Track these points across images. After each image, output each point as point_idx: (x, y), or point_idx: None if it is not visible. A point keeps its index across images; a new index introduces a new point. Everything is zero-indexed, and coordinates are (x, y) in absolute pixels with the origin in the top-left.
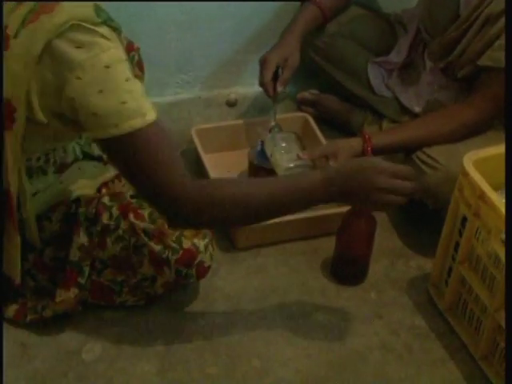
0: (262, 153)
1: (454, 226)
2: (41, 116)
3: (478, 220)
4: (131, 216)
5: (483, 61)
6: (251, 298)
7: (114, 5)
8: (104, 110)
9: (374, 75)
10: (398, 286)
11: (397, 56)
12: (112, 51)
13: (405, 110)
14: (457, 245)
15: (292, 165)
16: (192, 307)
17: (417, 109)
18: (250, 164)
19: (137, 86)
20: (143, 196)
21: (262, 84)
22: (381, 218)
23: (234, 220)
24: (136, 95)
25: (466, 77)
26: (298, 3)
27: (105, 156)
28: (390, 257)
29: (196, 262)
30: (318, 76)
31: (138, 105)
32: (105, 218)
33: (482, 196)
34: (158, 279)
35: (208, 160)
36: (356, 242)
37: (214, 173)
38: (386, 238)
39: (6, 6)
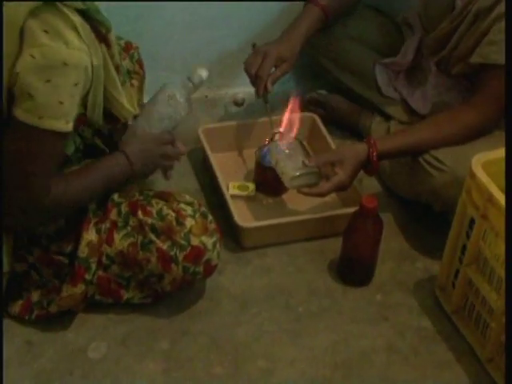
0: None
1: (461, 227)
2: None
3: (486, 222)
4: (140, 213)
5: (474, 58)
6: (257, 298)
7: (121, 5)
8: (42, 98)
9: (381, 76)
10: (404, 287)
11: (403, 58)
12: (76, 53)
13: (412, 112)
14: (464, 247)
15: (298, 173)
16: (198, 307)
17: (423, 111)
18: (257, 164)
19: (77, 95)
20: (9, 183)
21: (254, 75)
22: (387, 219)
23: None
24: (74, 102)
25: (464, 74)
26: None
27: (107, 149)
28: (397, 258)
29: (203, 259)
30: (324, 77)
31: (69, 111)
32: (113, 215)
33: (490, 198)
34: (166, 277)
35: (215, 159)
36: (363, 243)
37: (221, 172)
38: (392, 239)
39: None
